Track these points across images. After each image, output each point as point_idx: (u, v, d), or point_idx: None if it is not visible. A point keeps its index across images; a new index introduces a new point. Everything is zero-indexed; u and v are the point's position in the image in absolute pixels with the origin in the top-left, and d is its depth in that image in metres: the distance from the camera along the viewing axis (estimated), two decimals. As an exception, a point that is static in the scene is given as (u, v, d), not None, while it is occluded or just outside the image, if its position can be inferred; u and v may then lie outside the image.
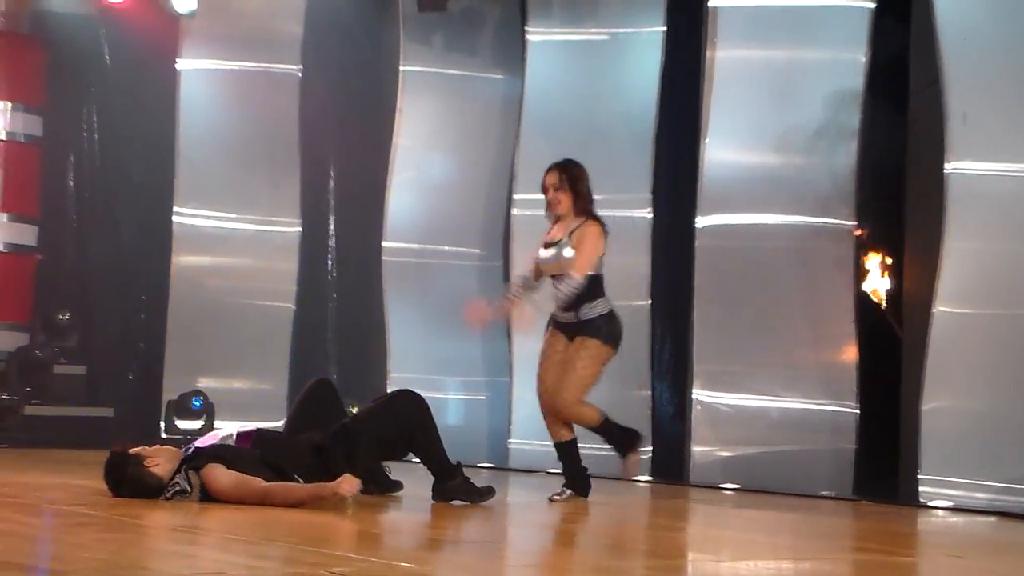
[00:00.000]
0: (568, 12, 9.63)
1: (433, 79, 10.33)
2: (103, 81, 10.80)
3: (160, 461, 5.80)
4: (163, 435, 9.91)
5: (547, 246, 6.92)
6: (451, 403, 10.35)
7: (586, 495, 6.88)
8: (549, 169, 6.93)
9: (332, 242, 11.00)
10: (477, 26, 10.32)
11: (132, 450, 5.82)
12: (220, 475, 5.78)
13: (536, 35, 9.72)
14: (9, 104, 10.33)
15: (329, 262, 11.02)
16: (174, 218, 10.31)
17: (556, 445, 6.97)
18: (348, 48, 10.69)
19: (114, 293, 10.70)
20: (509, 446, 9.57)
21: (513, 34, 10.06)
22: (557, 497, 6.81)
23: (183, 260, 10.34)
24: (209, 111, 10.46)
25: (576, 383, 6.79)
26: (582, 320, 6.79)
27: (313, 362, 10.69)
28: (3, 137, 10.34)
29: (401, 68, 10.23)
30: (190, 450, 5.93)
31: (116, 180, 10.82)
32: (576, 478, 6.89)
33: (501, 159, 10.17)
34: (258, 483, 5.78)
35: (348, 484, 5.72)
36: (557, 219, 6.94)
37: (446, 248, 10.39)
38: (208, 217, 10.43)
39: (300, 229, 10.56)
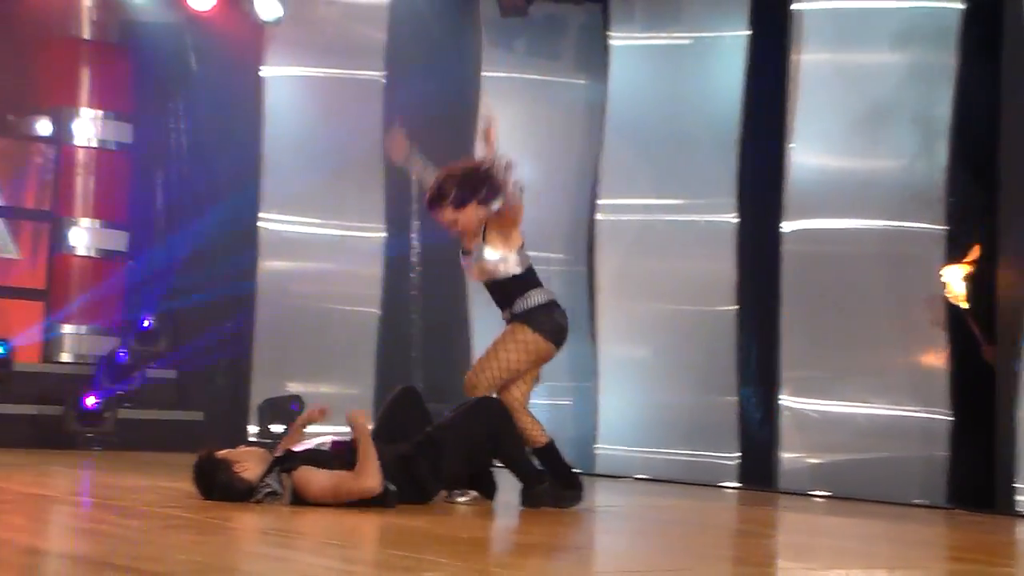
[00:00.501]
0: (650, 16, 9.60)
1: (515, 84, 10.34)
2: (190, 88, 10.94)
3: (249, 465, 5.84)
4: (251, 438, 10.01)
5: (465, 254, 6.54)
6: (535, 408, 10.31)
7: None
8: (432, 212, 6.57)
9: (416, 247, 11.03)
10: (559, 31, 10.31)
11: (219, 454, 5.87)
12: (313, 477, 5.82)
13: (619, 40, 9.70)
14: (100, 112, 10.49)
15: (414, 267, 11.06)
16: (259, 224, 10.41)
17: (534, 452, 6.53)
18: (431, 54, 10.72)
19: (202, 298, 10.82)
20: (595, 451, 9.55)
21: (595, 39, 10.04)
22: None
23: (269, 265, 10.44)
24: (293, 118, 10.54)
25: (494, 365, 6.32)
26: (515, 314, 6.40)
27: (398, 367, 10.74)
28: (94, 144, 10.49)
29: (483, 73, 10.25)
30: (284, 453, 5.97)
31: (203, 186, 10.95)
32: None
33: (584, 164, 10.15)
34: (347, 477, 5.82)
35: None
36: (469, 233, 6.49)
37: (529, 253, 10.35)
38: (293, 223, 10.51)
39: (385, 235, 10.62)
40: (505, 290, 6.47)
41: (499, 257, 6.41)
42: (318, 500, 5.82)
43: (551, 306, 6.43)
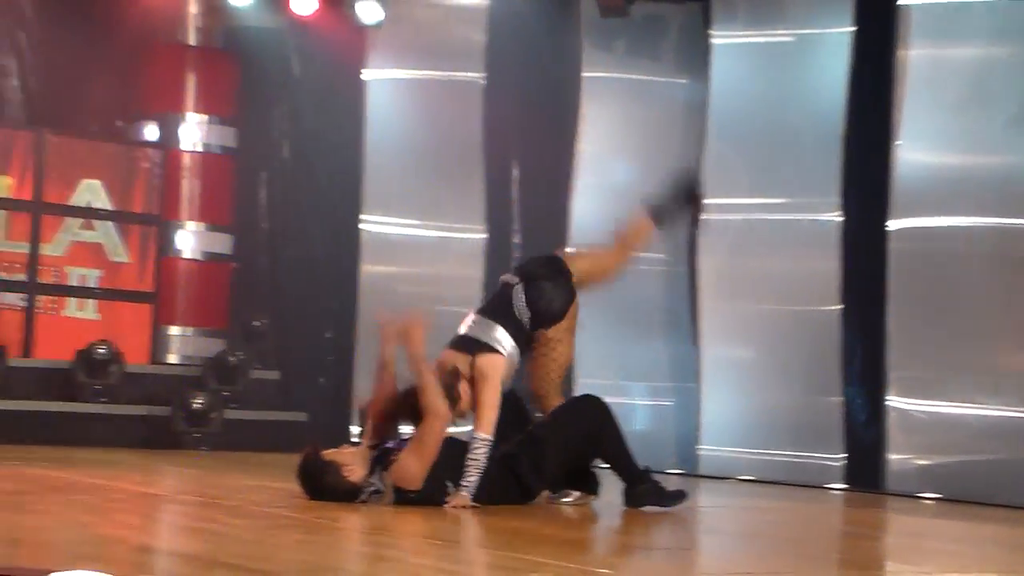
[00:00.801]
0: (753, 14, 9.51)
1: (616, 84, 10.32)
2: (292, 92, 11.06)
3: (355, 468, 5.88)
4: (353, 439, 10.08)
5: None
6: (638, 409, 10.31)
7: None
8: None
9: (516, 248, 11.04)
10: (660, 31, 10.27)
11: (325, 455, 5.91)
12: (402, 462, 5.84)
13: (720, 38, 9.63)
14: (205, 116, 10.63)
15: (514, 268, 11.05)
16: (361, 226, 10.49)
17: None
18: (530, 55, 10.73)
19: (305, 300, 10.94)
20: (698, 452, 9.49)
21: (696, 38, 9.98)
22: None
23: (371, 268, 10.52)
24: (395, 120, 10.62)
25: (550, 366, 6.37)
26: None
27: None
28: (199, 149, 10.64)
29: (583, 74, 10.23)
30: (379, 450, 6.01)
31: (306, 189, 11.07)
32: None
33: (685, 163, 10.08)
34: (418, 435, 5.85)
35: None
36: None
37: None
38: (394, 224, 10.59)
39: (485, 236, 10.65)
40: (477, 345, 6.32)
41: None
42: (419, 478, 5.82)
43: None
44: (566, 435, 6.18)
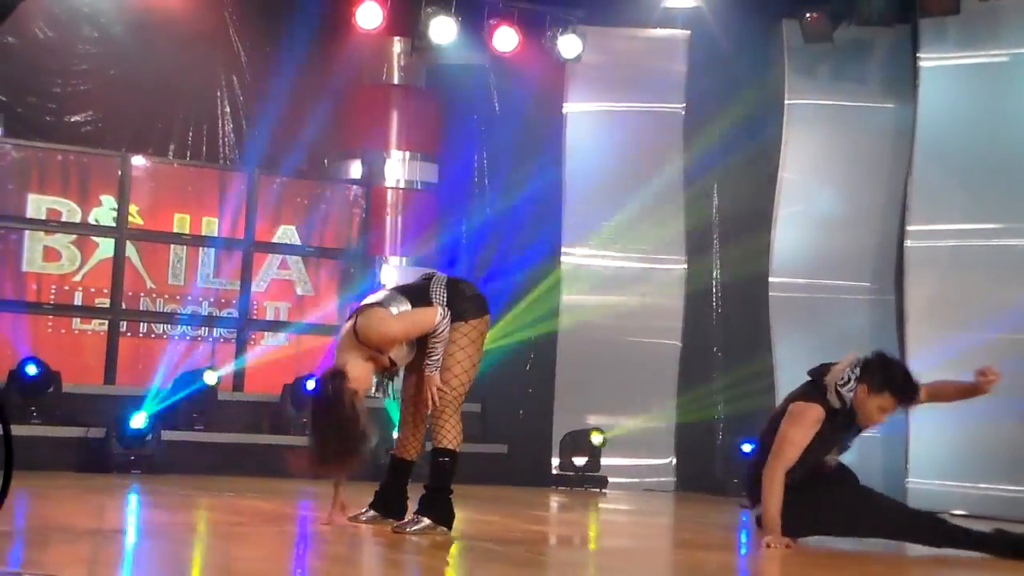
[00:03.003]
0: (964, 35, 9.25)
1: (819, 111, 10.15)
2: (493, 127, 11.17)
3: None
4: (555, 471, 10.09)
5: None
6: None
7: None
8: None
9: (717, 278, 10.93)
10: (865, 55, 10.06)
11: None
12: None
13: (929, 61, 9.38)
14: (407, 153, 10.82)
15: (715, 298, 10.95)
16: (562, 258, 10.52)
17: (393, 460, 6.25)
18: (731, 84, 10.63)
19: (506, 332, 11.00)
20: (907, 485, 9.22)
21: (903, 61, 9.75)
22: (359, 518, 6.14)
23: (571, 299, 10.53)
24: (594, 152, 10.64)
25: (458, 371, 5.90)
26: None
27: (700, 400, 10.65)
28: (402, 185, 10.83)
29: (786, 101, 10.09)
30: None
31: (507, 222, 11.15)
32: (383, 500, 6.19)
33: (892, 190, 9.86)
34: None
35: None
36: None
37: (835, 282, 10.14)
38: (594, 256, 10.59)
39: (685, 266, 10.56)
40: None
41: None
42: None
43: (458, 285, 6.00)
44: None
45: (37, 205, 9.94)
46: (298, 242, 10.67)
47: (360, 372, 5.80)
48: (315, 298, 10.75)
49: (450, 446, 5.95)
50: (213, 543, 5.47)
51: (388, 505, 6.15)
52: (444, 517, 5.88)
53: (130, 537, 5.62)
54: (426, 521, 5.84)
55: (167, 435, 9.11)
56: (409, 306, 5.86)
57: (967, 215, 9.17)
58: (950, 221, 9.21)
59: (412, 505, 6.02)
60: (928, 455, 9.20)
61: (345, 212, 10.85)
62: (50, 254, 9.98)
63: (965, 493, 8.95)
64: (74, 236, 10.05)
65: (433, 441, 5.99)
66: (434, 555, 5.34)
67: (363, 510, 6.20)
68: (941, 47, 9.37)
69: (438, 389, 5.88)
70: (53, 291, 9.95)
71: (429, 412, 5.96)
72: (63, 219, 10.00)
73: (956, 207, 9.23)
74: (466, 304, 5.97)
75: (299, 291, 10.68)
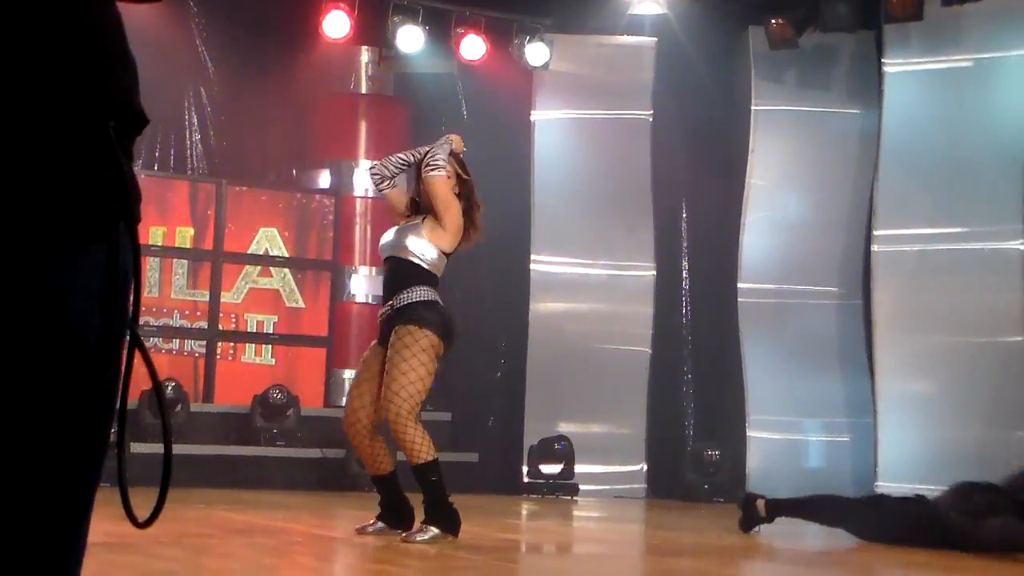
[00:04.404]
0: (927, 40, 9.31)
1: (786, 117, 10.19)
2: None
3: None
4: (525, 479, 10.08)
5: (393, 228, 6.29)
6: (811, 444, 10.12)
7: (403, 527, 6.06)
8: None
9: (686, 285, 10.96)
10: (830, 61, 10.12)
11: None
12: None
13: (893, 66, 9.44)
14: (377, 162, 10.78)
15: (684, 305, 10.98)
16: (531, 265, 10.52)
17: (374, 479, 6.25)
18: (698, 91, 10.67)
19: (475, 340, 10.99)
20: (876, 489, 9.25)
21: (868, 66, 9.81)
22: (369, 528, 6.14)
23: (540, 307, 10.53)
24: (563, 159, 10.65)
25: (405, 383, 5.83)
26: (397, 308, 5.98)
27: (670, 406, 10.67)
28: (371, 195, 10.81)
29: (753, 107, 10.13)
30: None
31: (475, 231, 11.12)
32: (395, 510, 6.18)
33: (858, 195, 9.91)
34: None
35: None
36: (416, 201, 6.30)
37: (803, 287, 10.19)
38: (563, 263, 10.59)
39: (654, 273, 10.59)
40: (400, 273, 6.12)
41: (422, 244, 6.15)
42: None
43: (435, 303, 6.06)
44: None
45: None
46: (281, 244, 10.56)
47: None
48: (307, 311, 10.64)
49: (427, 459, 5.92)
50: (183, 555, 5.45)
51: (394, 517, 6.15)
52: (450, 525, 5.92)
53: (99, 550, 5.60)
54: (434, 530, 5.88)
55: (135, 447, 9.06)
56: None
57: (933, 219, 9.23)
58: (916, 225, 9.27)
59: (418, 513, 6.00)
60: (897, 458, 9.24)
61: (316, 221, 10.81)
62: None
63: (933, 496, 8.98)
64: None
65: (408, 461, 5.94)
66: (405, 564, 5.34)
67: (371, 522, 6.19)
68: (905, 52, 9.43)
69: (390, 402, 5.82)
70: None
71: (385, 419, 5.93)
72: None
73: (922, 211, 9.28)
74: (437, 318, 5.96)
75: (288, 303, 10.59)
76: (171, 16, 10.35)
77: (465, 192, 6.15)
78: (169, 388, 9.37)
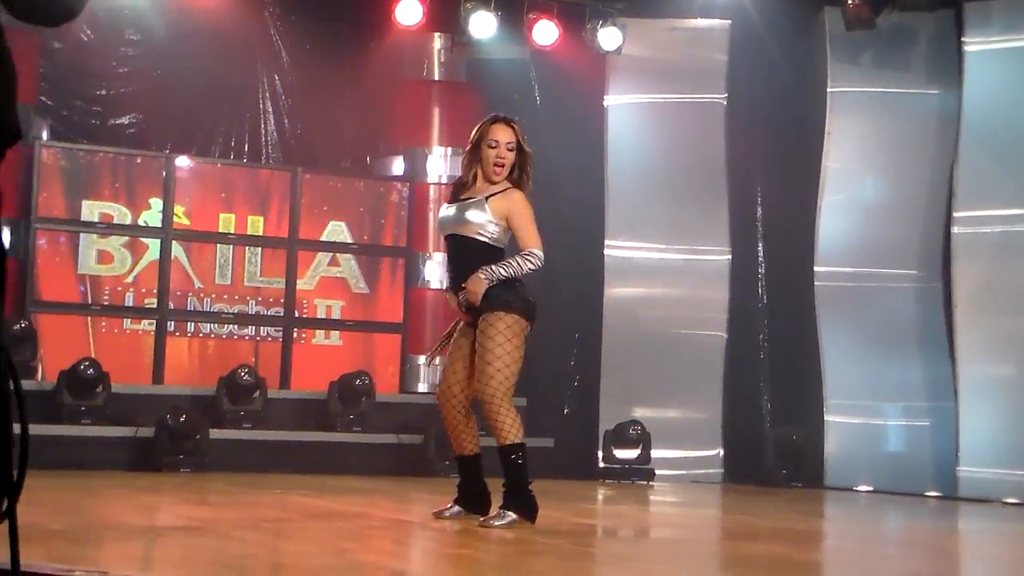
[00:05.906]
0: (1009, 18, 9.16)
1: (863, 98, 10.08)
2: (534, 121, 11.13)
3: None
4: (600, 464, 10.06)
5: (453, 203, 6.11)
6: (891, 429, 10.01)
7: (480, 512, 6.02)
8: (498, 122, 6.09)
9: (762, 268, 10.87)
10: (908, 41, 9.98)
11: None
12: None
13: (974, 45, 9.30)
14: (449, 149, 10.82)
15: (760, 289, 10.89)
16: (605, 251, 10.49)
17: (458, 459, 6.21)
18: (773, 73, 10.57)
19: (550, 326, 10.98)
20: (958, 474, 9.14)
21: (948, 46, 9.67)
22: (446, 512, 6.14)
23: (615, 292, 10.50)
24: (636, 144, 10.60)
25: (500, 366, 5.82)
26: (484, 298, 5.88)
27: (746, 391, 10.60)
28: (444, 181, 10.83)
29: (829, 90, 10.03)
30: None
31: (549, 216, 11.09)
32: (476, 495, 6.15)
33: (938, 176, 9.78)
34: None
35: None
36: (474, 179, 6.10)
37: (882, 270, 10.08)
38: (638, 248, 10.56)
39: (729, 257, 10.52)
40: (466, 251, 5.99)
41: (486, 220, 5.99)
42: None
43: (514, 284, 5.95)
44: None
45: (90, 210, 10.02)
46: (348, 239, 10.65)
47: None
48: (373, 296, 10.74)
49: (514, 440, 5.93)
50: (262, 539, 5.50)
51: (471, 501, 6.17)
52: (528, 510, 5.91)
53: (179, 534, 5.66)
54: (511, 515, 5.87)
55: (215, 433, 9.17)
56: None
57: (1014, 200, 9.09)
58: (997, 206, 9.13)
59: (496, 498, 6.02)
60: (979, 443, 9.13)
61: (391, 208, 10.86)
62: (104, 257, 10.06)
63: (1018, 481, 8.87)
64: (126, 239, 10.12)
65: (496, 440, 5.96)
66: (483, 548, 5.35)
67: (448, 506, 6.22)
68: (986, 31, 9.28)
69: (485, 384, 5.86)
70: (107, 293, 10.03)
71: (479, 400, 5.96)
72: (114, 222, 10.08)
73: (1003, 192, 9.14)
74: (520, 301, 5.95)
75: (353, 288, 10.69)
76: (245, 5, 10.43)
77: (520, 162, 6.09)
78: (245, 374, 9.47)
